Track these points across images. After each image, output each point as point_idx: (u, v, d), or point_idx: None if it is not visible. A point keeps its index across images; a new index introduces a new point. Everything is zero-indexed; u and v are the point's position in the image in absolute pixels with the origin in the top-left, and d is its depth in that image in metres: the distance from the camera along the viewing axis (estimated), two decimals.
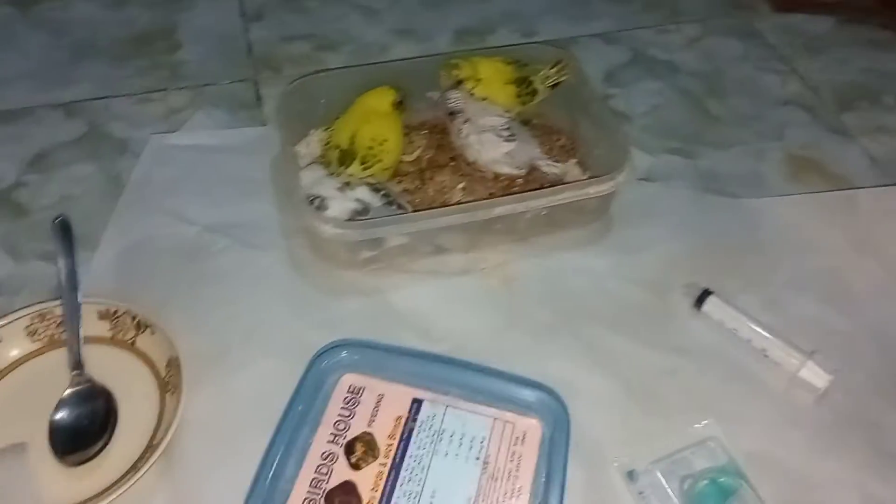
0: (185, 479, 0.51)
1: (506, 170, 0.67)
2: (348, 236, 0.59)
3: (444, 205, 0.66)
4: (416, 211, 0.64)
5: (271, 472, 0.43)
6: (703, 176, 0.73)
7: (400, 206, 0.64)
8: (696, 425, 0.55)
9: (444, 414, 0.47)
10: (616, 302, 0.62)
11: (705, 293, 0.61)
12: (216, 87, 0.80)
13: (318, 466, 0.44)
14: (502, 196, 0.62)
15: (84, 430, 0.52)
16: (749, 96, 0.82)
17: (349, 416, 0.46)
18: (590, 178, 0.67)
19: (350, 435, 0.45)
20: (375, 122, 0.67)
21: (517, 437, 0.47)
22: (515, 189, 0.67)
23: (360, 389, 0.48)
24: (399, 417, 0.46)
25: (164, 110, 0.77)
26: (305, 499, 0.43)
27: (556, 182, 0.67)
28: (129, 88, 0.79)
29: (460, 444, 0.46)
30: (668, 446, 0.53)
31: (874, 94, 0.84)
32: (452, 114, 0.69)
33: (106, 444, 0.51)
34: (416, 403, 0.47)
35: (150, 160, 0.70)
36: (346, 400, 0.47)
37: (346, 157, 0.66)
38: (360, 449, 0.44)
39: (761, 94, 0.83)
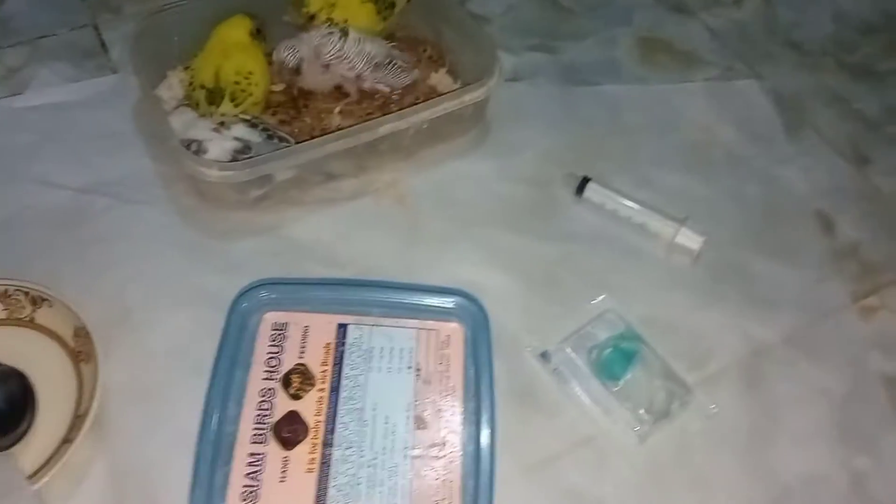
0: (120, 444, 0.50)
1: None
2: (236, 178, 0.58)
3: (325, 131, 0.66)
4: (298, 142, 0.63)
5: (215, 417, 0.44)
6: (565, 69, 0.76)
7: (282, 139, 0.63)
8: (593, 301, 0.60)
9: (370, 333, 0.49)
10: (505, 202, 0.66)
11: (584, 180, 0.65)
12: (53, 38, 0.74)
13: (259, 403, 0.45)
14: (383, 115, 0.63)
15: (3, 413, 0.50)
16: None
17: (279, 351, 0.47)
18: (462, 85, 0.69)
19: (284, 369, 0.46)
20: (237, 56, 0.65)
21: (442, 342, 0.50)
22: (392, 105, 0.68)
23: (284, 325, 0.49)
24: (328, 344, 0.48)
25: (3, 71, 0.71)
26: (253, 434, 0.44)
27: (431, 93, 0.69)
28: None
29: (391, 358, 0.48)
30: (572, 324, 0.58)
31: None
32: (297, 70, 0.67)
33: (30, 423, 0.50)
34: (342, 328, 0.48)
35: (1, 129, 0.65)
36: (273, 337, 0.48)
37: (214, 97, 0.64)
38: (296, 380, 0.46)
39: None
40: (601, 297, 0.60)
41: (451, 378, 0.48)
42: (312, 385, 0.46)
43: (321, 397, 0.46)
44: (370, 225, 0.63)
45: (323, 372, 0.47)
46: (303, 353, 0.47)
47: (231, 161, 0.60)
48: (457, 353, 0.49)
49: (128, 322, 0.56)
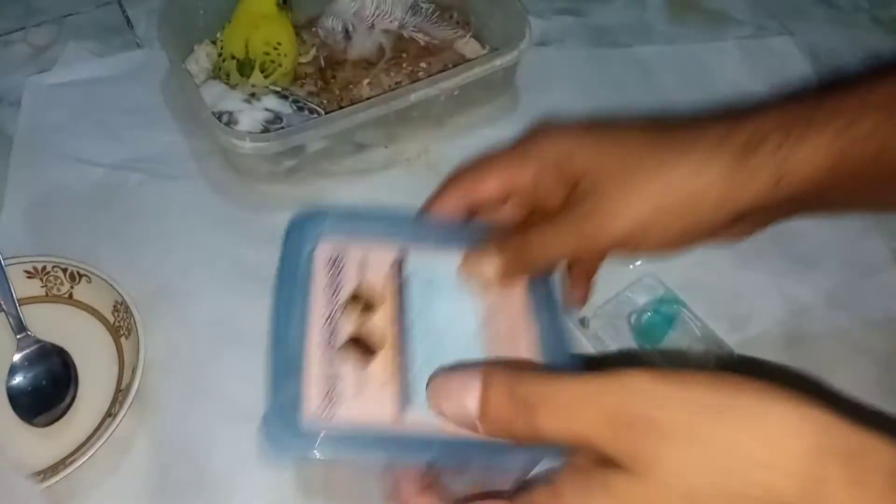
0: (163, 416, 0.51)
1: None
2: (269, 148, 0.58)
3: (354, 101, 0.65)
4: (328, 112, 0.63)
5: (281, 341, 0.42)
6: (593, 32, 0.75)
7: (312, 111, 0.63)
8: (631, 266, 0.59)
9: (429, 265, 0.46)
10: None
11: None
12: (79, 16, 0.74)
13: (324, 326, 0.41)
14: (413, 83, 0.62)
15: (45, 389, 0.50)
16: None
17: (338, 279, 0.45)
18: (490, 51, 0.68)
19: (344, 295, 0.44)
20: (265, 27, 0.65)
21: None
22: (421, 75, 0.67)
23: (339, 255, 0.46)
24: (387, 275, 0.45)
25: (29, 51, 0.71)
26: (321, 355, 0.40)
27: (459, 60, 0.68)
28: None
29: (454, 287, 0.45)
30: (610, 290, 0.58)
31: None
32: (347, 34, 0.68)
33: (73, 399, 0.51)
34: (399, 260, 0.46)
35: (32, 106, 0.65)
36: (330, 266, 0.45)
37: (244, 67, 0.64)
38: (357, 305, 0.43)
39: None
40: (638, 263, 0.59)
41: (514, 304, 0.46)
42: (375, 310, 0.44)
43: (389, 319, 0.43)
44: (403, 194, 0.62)
45: (386, 299, 0.44)
46: (362, 281, 0.45)
47: (262, 132, 0.60)
48: (520, 284, 0.47)
49: (166, 296, 0.56)
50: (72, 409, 0.50)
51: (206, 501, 0.48)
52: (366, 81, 0.67)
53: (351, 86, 0.67)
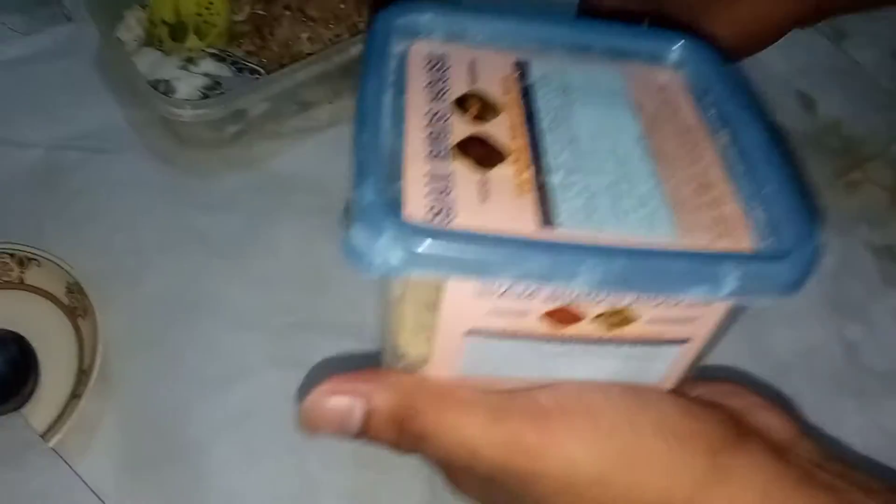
0: (129, 393, 0.51)
1: None
2: (210, 115, 0.56)
3: (295, 58, 0.64)
4: (269, 72, 0.62)
5: (368, 133, 0.31)
6: None
7: (252, 71, 0.62)
8: None
9: (559, 71, 0.36)
10: None
11: None
12: None
13: (429, 123, 0.32)
14: (352, 36, 0.61)
15: (5, 378, 0.50)
16: None
17: (442, 79, 0.34)
18: None
19: (454, 94, 0.33)
20: None
21: (659, 88, 0.35)
22: (361, 25, 0.66)
23: (441, 56, 0.35)
24: (506, 77, 0.34)
25: None
26: (429, 153, 0.31)
27: None
28: None
29: (595, 94, 0.35)
30: None
31: None
32: None
33: (35, 384, 0.50)
34: (521, 65, 0.35)
35: None
36: (430, 67, 0.34)
37: (177, 32, 0.62)
38: (474, 104, 0.33)
39: None
40: None
41: (682, 112, 0.34)
42: (496, 112, 0.33)
43: (514, 124, 0.33)
44: None
45: (507, 101, 0.34)
46: (474, 83, 0.34)
47: (202, 99, 0.59)
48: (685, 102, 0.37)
49: (120, 272, 0.55)
50: (35, 395, 0.50)
51: (181, 471, 0.48)
52: (305, 36, 0.66)
53: (290, 42, 0.66)
